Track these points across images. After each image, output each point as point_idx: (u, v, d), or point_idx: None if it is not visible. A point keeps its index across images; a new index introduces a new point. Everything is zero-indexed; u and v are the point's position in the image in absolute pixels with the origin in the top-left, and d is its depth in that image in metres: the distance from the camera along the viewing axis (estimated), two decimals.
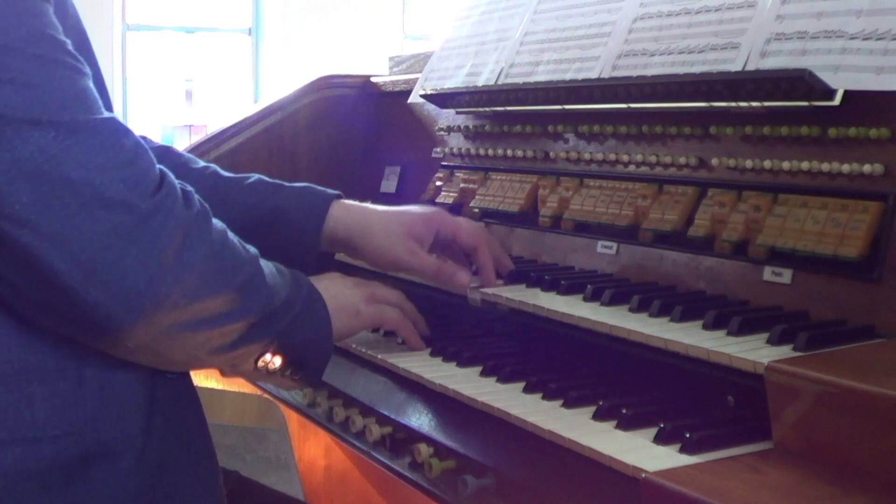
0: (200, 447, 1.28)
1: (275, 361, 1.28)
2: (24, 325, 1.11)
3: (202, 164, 1.57)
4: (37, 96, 1.04)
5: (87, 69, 1.11)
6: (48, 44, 1.07)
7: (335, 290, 1.40)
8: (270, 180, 1.56)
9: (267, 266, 1.26)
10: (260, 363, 1.27)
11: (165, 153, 1.55)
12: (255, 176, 1.56)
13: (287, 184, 1.55)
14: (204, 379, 2.28)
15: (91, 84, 1.11)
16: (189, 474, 1.25)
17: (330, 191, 1.55)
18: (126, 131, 1.11)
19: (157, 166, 1.13)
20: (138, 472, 1.17)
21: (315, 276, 1.40)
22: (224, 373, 1.29)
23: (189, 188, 1.17)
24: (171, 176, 1.14)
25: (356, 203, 1.56)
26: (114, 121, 1.10)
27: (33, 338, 1.12)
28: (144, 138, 1.56)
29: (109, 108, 1.16)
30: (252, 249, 1.25)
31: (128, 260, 1.07)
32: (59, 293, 1.06)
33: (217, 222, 1.20)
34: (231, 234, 1.22)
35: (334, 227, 1.51)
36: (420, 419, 1.37)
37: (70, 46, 1.10)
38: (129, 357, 1.16)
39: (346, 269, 1.82)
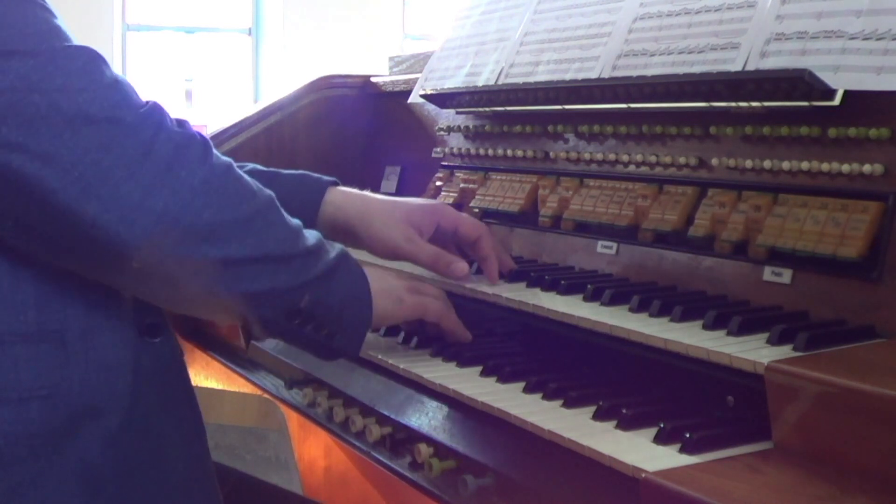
0: (187, 413, 1.28)
1: (307, 320, 1.25)
2: (4, 287, 1.12)
3: None
4: (11, 31, 1.06)
5: (57, 16, 1.13)
6: None
7: (378, 275, 1.39)
8: (266, 168, 1.55)
9: (293, 218, 1.25)
10: (291, 318, 1.24)
11: None
12: (250, 165, 1.56)
13: (283, 171, 1.55)
14: (204, 379, 2.28)
15: (62, 24, 1.12)
16: (176, 439, 1.25)
17: (326, 177, 1.54)
18: (104, 61, 1.13)
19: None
20: (125, 435, 1.17)
21: (363, 264, 1.39)
22: (255, 330, 1.26)
23: (184, 119, 1.17)
24: (160, 104, 1.15)
25: (355, 190, 1.55)
26: (91, 49, 1.12)
27: (14, 301, 1.13)
28: None
29: None
30: (268, 191, 1.24)
31: (118, 173, 1.07)
32: (58, 216, 1.07)
33: (222, 155, 1.19)
34: (240, 171, 1.21)
35: (333, 213, 1.51)
36: (420, 419, 1.37)
37: None
38: (145, 288, 1.15)
39: None
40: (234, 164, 1.20)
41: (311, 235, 1.27)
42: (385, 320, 1.42)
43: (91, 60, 1.11)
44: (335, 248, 1.30)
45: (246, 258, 1.18)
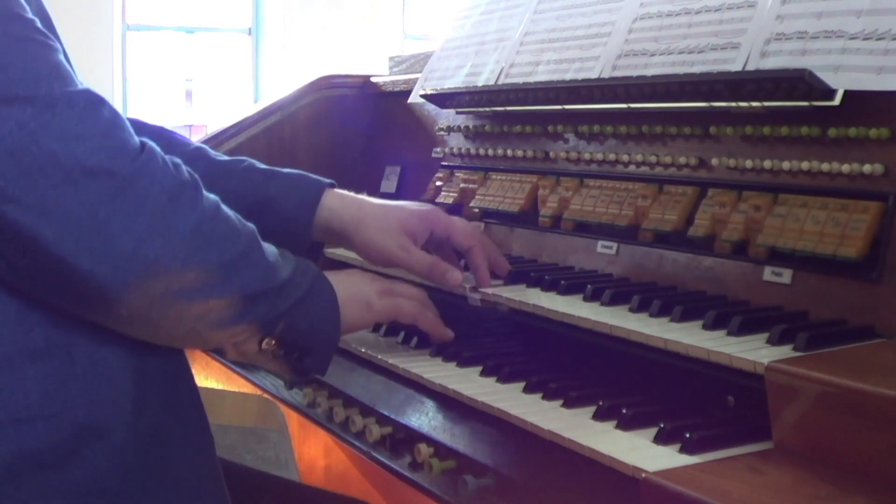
0: (193, 419, 1.28)
1: (279, 345, 1.27)
2: (12, 305, 1.12)
3: (193, 145, 1.56)
4: (11, 74, 1.06)
5: (58, 45, 1.13)
6: (18, 23, 1.08)
7: (348, 282, 1.39)
8: (262, 167, 1.55)
9: (269, 246, 1.26)
10: (264, 345, 1.26)
11: (156, 137, 1.52)
12: (247, 161, 1.55)
13: (279, 170, 1.54)
14: (204, 379, 2.28)
15: (63, 59, 1.12)
16: (183, 446, 1.24)
17: (323, 179, 1.54)
18: (102, 101, 1.12)
19: (139, 138, 1.14)
20: (131, 446, 1.17)
21: (334, 272, 1.39)
22: (229, 355, 1.28)
23: (177, 160, 1.18)
24: (153, 145, 1.15)
25: (351, 194, 1.54)
26: (89, 92, 1.12)
27: (23, 317, 1.13)
28: (136, 121, 1.55)
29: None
30: (250, 225, 1.24)
31: (114, 225, 1.08)
32: (51, 265, 1.07)
33: (210, 195, 1.20)
34: (226, 208, 1.21)
35: (328, 218, 1.51)
36: (420, 419, 1.37)
37: (39, 24, 1.11)
38: (128, 329, 1.16)
39: (334, 266, 1.83)
40: (222, 204, 1.21)
41: (287, 264, 1.27)
42: (354, 328, 1.42)
43: (89, 105, 1.10)
44: (308, 272, 1.31)
45: (229, 298, 1.19)
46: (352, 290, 1.38)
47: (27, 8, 1.11)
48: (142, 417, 1.18)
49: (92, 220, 1.07)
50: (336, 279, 1.35)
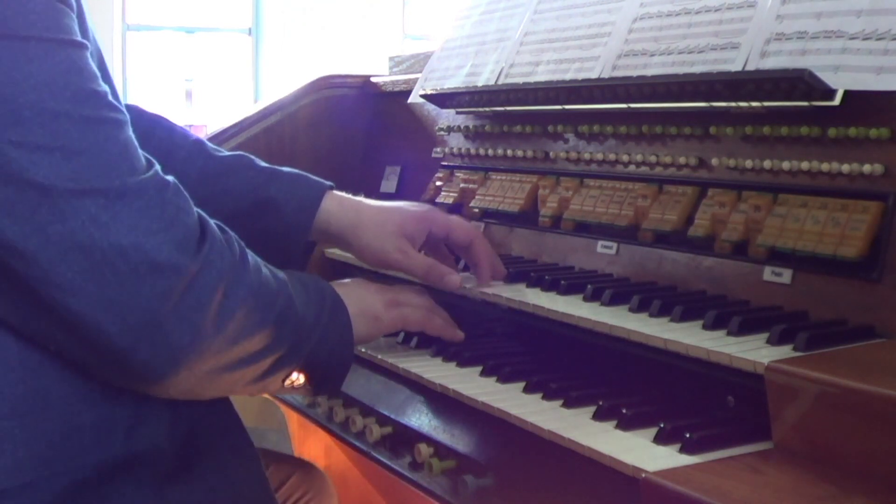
0: (229, 423, 1.30)
1: (300, 378, 1.29)
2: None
3: (192, 138, 1.56)
4: (85, 163, 1.04)
5: (125, 115, 1.11)
6: (93, 102, 1.07)
7: (356, 295, 1.40)
8: (262, 165, 1.55)
9: (294, 288, 1.26)
10: (286, 382, 1.28)
11: (154, 126, 1.53)
12: (246, 157, 1.55)
13: (280, 170, 1.55)
14: None
15: (130, 131, 1.11)
16: (227, 464, 1.26)
17: (323, 181, 1.54)
18: (166, 185, 1.12)
19: (195, 211, 1.14)
20: (165, 470, 1.18)
21: (339, 282, 1.40)
22: (252, 394, 1.30)
23: (229, 232, 1.18)
24: (210, 223, 1.15)
25: (350, 197, 1.55)
26: (156, 177, 1.11)
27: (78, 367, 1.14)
28: (135, 108, 1.54)
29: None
30: (280, 275, 1.25)
31: (174, 319, 1.09)
32: (108, 354, 1.08)
33: (251, 257, 1.21)
34: (263, 268, 1.22)
35: (326, 221, 1.51)
36: (420, 419, 1.37)
37: (109, 96, 1.09)
38: (167, 397, 1.18)
39: (334, 266, 1.83)
40: (261, 265, 1.22)
41: (310, 305, 1.28)
42: (363, 342, 1.44)
43: (156, 192, 1.09)
44: (326, 303, 1.31)
45: (268, 360, 1.21)
46: (360, 304, 1.39)
47: (98, 75, 1.09)
48: (176, 444, 1.20)
49: (155, 316, 1.07)
50: (345, 293, 1.36)
